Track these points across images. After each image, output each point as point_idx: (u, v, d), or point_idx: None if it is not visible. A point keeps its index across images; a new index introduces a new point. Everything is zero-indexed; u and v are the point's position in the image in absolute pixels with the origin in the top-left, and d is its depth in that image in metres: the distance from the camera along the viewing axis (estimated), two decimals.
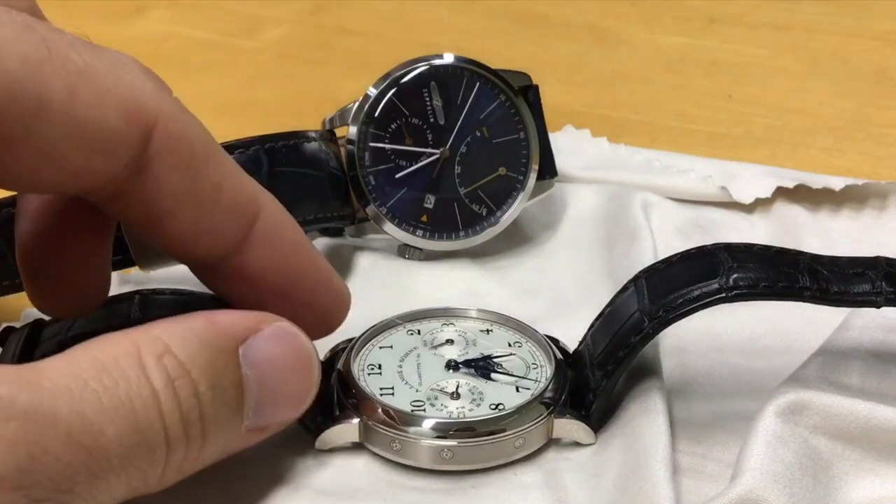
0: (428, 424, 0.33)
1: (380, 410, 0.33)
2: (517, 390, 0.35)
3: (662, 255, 0.38)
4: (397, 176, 0.44)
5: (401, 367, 0.36)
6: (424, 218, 0.45)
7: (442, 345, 0.37)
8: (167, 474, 0.27)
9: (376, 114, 0.44)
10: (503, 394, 0.34)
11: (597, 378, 0.34)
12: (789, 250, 0.34)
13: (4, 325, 0.37)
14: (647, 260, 0.42)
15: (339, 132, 0.44)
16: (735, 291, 0.32)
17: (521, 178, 0.45)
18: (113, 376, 0.25)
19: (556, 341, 0.37)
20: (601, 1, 0.72)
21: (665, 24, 0.69)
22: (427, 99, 0.44)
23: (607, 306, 0.36)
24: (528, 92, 0.45)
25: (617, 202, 0.48)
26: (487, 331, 0.38)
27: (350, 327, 0.38)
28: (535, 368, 0.36)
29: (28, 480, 0.23)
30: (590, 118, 0.57)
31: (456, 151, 0.45)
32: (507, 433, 0.33)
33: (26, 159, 0.25)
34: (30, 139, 0.24)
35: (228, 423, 0.28)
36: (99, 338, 0.26)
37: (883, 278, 0.33)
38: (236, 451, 0.29)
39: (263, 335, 0.29)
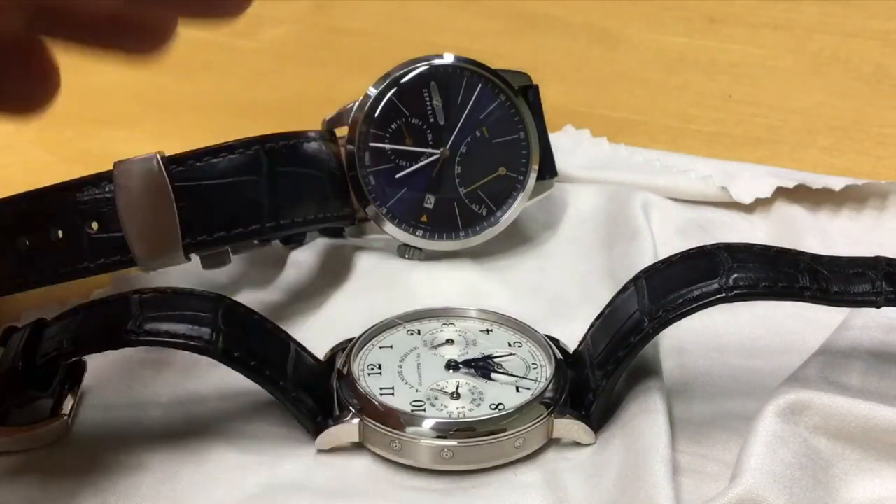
0: (428, 424, 0.33)
1: (380, 410, 0.33)
2: (517, 390, 0.35)
3: (662, 255, 0.38)
4: (397, 176, 0.44)
5: (401, 367, 0.36)
6: (424, 218, 0.45)
7: (442, 345, 0.37)
8: None
9: (376, 114, 0.44)
10: (503, 394, 0.34)
11: (597, 378, 0.34)
12: (789, 250, 0.34)
13: (6, 325, 0.37)
14: (647, 260, 0.42)
15: (339, 132, 0.44)
16: (735, 291, 0.32)
17: (521, 178, 0.45)
18: None
19: (556, 341, 0.37)
20: (601, 1, 0.72)
21: (665, 24, 0.69)
22: (427, 99, 0.44)
23: (607, 306, 0.36)
24: (528, 92, 0.45)
25: (617, 202, 0.48)
26: (487, 331, 0.38)
27: (350, 327, 0.38)
28: (535, 368, 0.36)
29: None
30: (590, 118, 0.57)
31: (456, 151, 0.44)
32: (507, 433, 0.33)
33: None
34: None
35: None
36: None
37: (883, 278, 0.33)
38: None
39: None
